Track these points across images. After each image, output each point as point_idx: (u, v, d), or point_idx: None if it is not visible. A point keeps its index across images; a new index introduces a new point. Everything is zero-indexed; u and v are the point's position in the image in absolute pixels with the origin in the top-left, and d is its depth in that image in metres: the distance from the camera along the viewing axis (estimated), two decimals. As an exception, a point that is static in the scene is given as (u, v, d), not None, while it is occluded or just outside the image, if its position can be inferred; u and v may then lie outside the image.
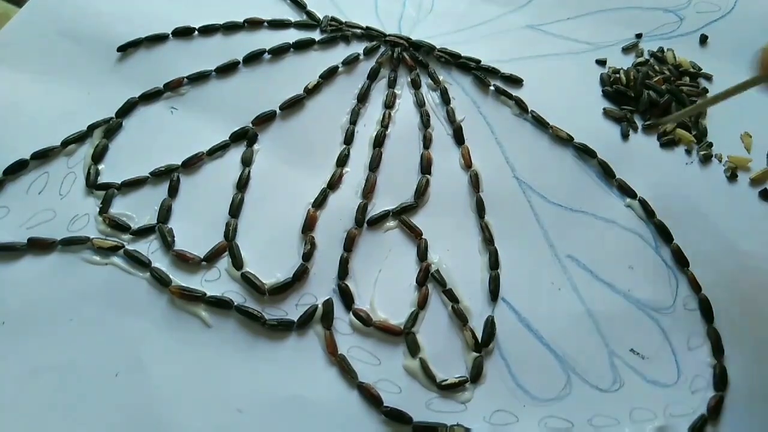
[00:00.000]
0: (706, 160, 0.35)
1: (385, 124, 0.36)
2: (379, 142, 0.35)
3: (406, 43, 0.39)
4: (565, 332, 0.30)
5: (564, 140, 0.36)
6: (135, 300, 0.30)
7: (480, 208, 0.33)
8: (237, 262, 0.31)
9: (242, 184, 0.33)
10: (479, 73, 0.38)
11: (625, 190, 0.34)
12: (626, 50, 0.40)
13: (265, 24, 0.40)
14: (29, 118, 0.35)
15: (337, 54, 0.39)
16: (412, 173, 0.34)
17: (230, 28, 0.39)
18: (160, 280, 0.30)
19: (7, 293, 0.30)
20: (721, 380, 0.29)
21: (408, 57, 0.38)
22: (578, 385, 0.29)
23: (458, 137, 0.35)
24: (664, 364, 0.29)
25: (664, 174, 0.35)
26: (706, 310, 0.30)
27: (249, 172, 0.34)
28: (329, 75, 0.37)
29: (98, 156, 0.34)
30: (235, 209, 0.33)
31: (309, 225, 0.32)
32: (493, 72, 0.38)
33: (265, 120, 0.36)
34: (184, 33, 0.39)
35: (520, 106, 0.37)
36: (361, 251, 0.32)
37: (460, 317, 0.30)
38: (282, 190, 0.33)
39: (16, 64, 0.37)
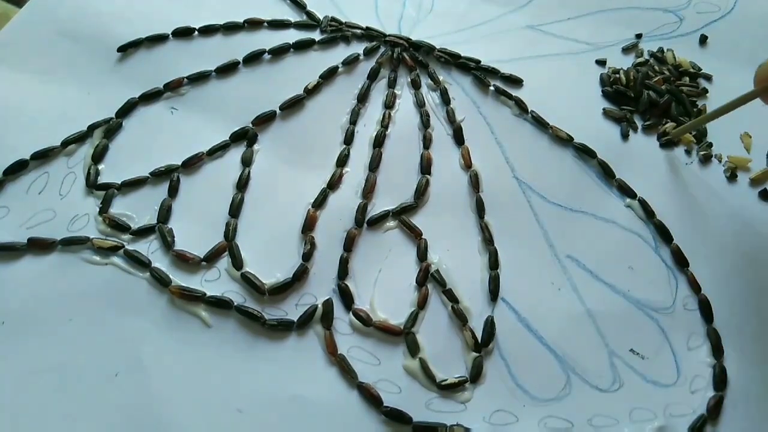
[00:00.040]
0: (706, 160, 0.35)
1: (385, 124, 0.36)
2: (379, 142, 0.35)
3: (406, 44, 0.39)
4: (565, 332, 0.30)
5: (564, 140, 0.36)
6: (135, 300, 0.30)
7: (480, 208, 0.33)
8: (237, 262, 0.31)
9: (242, 184, 0.33)
10: (479, 73, 0.38)
11: (625, 190, 0.34)
12: (626, 50, 0.40)
13: (265, 24, 0.40)
14: (29, 118, 0.35)
15: (337, 54, 0.39)
16: (412, 173, 0.34)
17: (230, 28, 0.39)
18: (160, 280, 0.30)
19: (7, 293, 0.30)
20: (720, 380, 0.29)
21: (408, 57, 0.38)
22: (578, 385, 0.29)
23: (458, 137, 0.35)
24: (664, 364, 0.29)
25: (664, 174, 0.35)
26: (705, 310, 0.30)
27: (249, 172, 0.34)
28: (329, 75, 0.37)
29: (98, 156, 0.34)
30: (235, 209, 0.33)
31: (309, 225, 0.32)
32: (493, 72, 0.38)
33: (265, 120, 0.36)
34: (184, 33, 0.39)
35: (520, 106, 0.37)
36: (361, 251, 0.32)
37: (459, 317, 0.30)
38: (282, 190, 0.33)
39: (16, 64, 0.37)
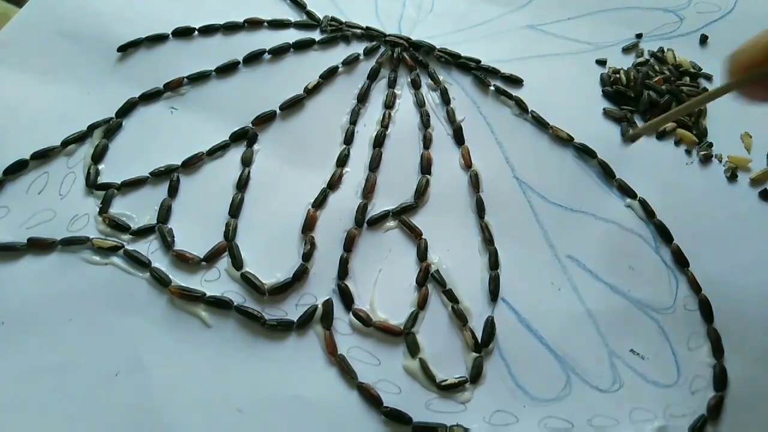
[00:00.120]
0: (706, 160, 0.35)
1: (385, 124, 0.36)
2: (379, 142, 0.35)
3: (406, 43, 0.39)
4: (565, 332, 0.30)
5: (564, 140, 0.36)
6: (135, 300, 0.30)
7: (480, 208, 0.33)
8: (237, 262, 0.31)
9: (242, 184, 0.33)
10: (479, 73, 0.38)
11: (625, 190, 0.34)
12: (626, 50, 0.40)
13: (265, 24, 0.40)
14: (29, 118, 0.35)
15: (337, 54, 0.39)
16: (412, 173, 0.34)
17: (230, 28, 0.39)
18: (160, 280, 0.30)
19: (7, 293, 0.30)
20: (721, 380, 0.29)
21: (408, 57, 0.38)
22: (578, 385, 0.29)
23: (458, 137, 0.35)
24: (664, 364, 0.29)
25: (664, 174, 0.35)
26: (706, 310, 0.30)
27: (249, 172, 0.34)
28: (329, 75, 0.37)
29: (98, 156, 0.34)
30: (235, 209, 0.33)
31: (309, 225, 0.32)
32: (493, 72, 0.38)
33: (265, 120, 0.36)
34: (184, 33, 0.39)
35: (520, 106, 0.37)
36: (361, 251, 0.32)
37: (460, 317, 0.30)
38: (282, 190, 0.33)
39: (16, 64, 0.37)
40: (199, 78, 0.37)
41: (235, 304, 0.30)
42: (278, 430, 0.27)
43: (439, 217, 0.33)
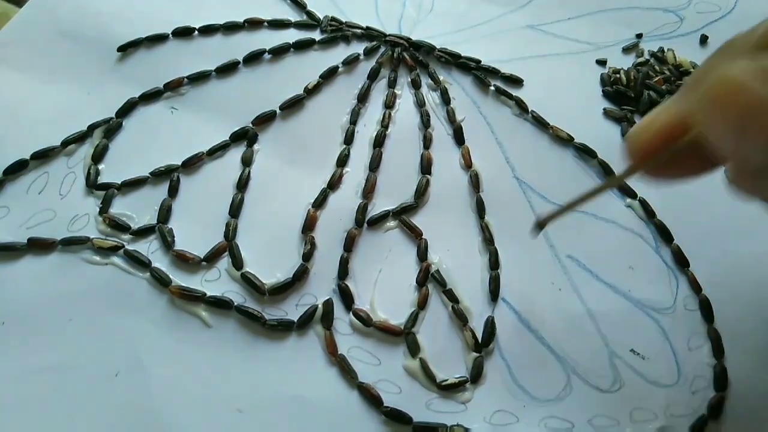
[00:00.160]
0: (706, 160, 0.35)
1: (385, 124, 0.36)
2: (379, 142, 0.35)
3: (406, 43, 0.39)
4: (565, 332, 0.30)
5: (564, 140, 0.36)
6: (135, 300, 0.30)
7: (480, 208, 0.33)
8: (237, 262, 0.31)
9: (242, 184, 0.33)
10: (479, 73, 0.38)
11: (625, 190, 0.34)
12: (626, 50, 0.40)
13: (265, 24, 0.40)
14: (29, 118, 0.35)
15: (337, 54, 0.39)
16: (412, 173, 0.34)
17: (230, 28, 0.39)
18: (160, 280, 0.30)
19: (7, 293, 0.30)
20: (721, 380, 0.29)
21: (408, 57, 0.38)
22: (578, 385, 0.29)
23: (458, 137, 0.35)
24: (665, 364, 0.29)
25: (664, 174, 0.35)
26: (706, 310, 0.30)
27: (249, 172, 0.34)
28: (329, 75, 0.37)
29: (98, 156, 0.34)
30: (235, 209, 0.33)
31: (309, 225, 0.32)
32: (493, 72, 0.38)
33: (265, 120, 0.36)
34: (184, 33, 0.39)
35: (520, 106, 0.37)
36: (361, 251, 0.32)
37: (460, 317, 0.30)
38: (282, 190, 0.33)
39: (16, 64, 0.37)
40: (199, 78, 0.37)
41: (236, 304, 0.30)
42: (278, 430, 0.27)
43: (439, 217, 0.33)
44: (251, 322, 0.29)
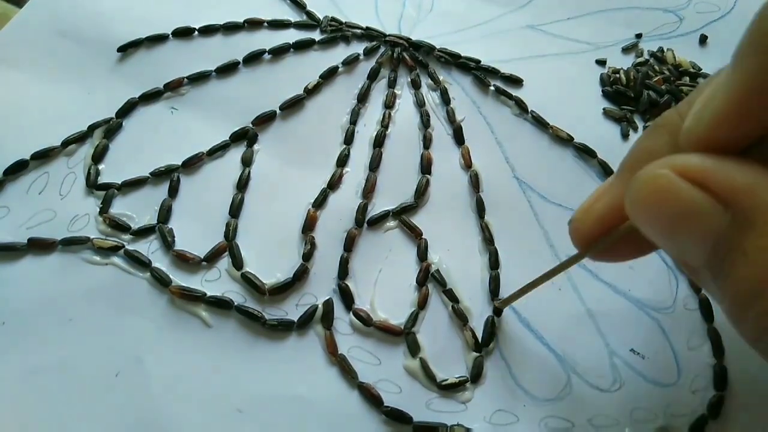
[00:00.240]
0: (706, 160, 0.35)
1: (385, 124, 0.36)
2: (379, 142, 0.35)
3: (406, 43, 0.39)
4: (565, 332, 0.30)
5: (564, 140, 0.36)
6: (135, 300, 0.30)
7: (480, 208, 0.33)
8: (237, 262, 0.31)
9: (242, 184, 0.33)
10: (479, 73, 0.38)
11: (625, 190, 0.34)
12: (626, 50, 0.40)
13: (265, 24, 0.40)
14: (29, 118, 0.35)
15: (337, 54, 0.39)
16: (412, 173, 0.34)
17: (230, 28, 0.39)
18: (160, 280, 0.30)
19: (7, 293, 0.30)
20: (721, 380, 0.29)
21: (408, 57, 0.38)
22: (578, 385, 0.29)
23: (458, 137, 0.35)
24: (665, 364, 0.29)
25: (664, 174, 0.35)
26: (706, 310, 0.30)
27: (249, 172, 0.34)
28: (329, 75, 0.37)
29: (98, 156, 0.34)
30: (235, 209, 0.33)
31: (309, 225, 0.32)
32: (493, 72, 0.38)
33: (265, 120, 0.36)
34: (184, 33, 0.39)
35: (520, 106, 0.37)
36: (361, 251, 0.32)
37: (460, 317, 0.30)
38: (282, 190, 0.33)
39: (16, 64, 0.37)
40: (199, 78, 0.37)
41: (236, 304, 0.30)
42: (278, 430, 0.27)
43: (439, 216, 0.33)
44: (251, 322, 0.29)
